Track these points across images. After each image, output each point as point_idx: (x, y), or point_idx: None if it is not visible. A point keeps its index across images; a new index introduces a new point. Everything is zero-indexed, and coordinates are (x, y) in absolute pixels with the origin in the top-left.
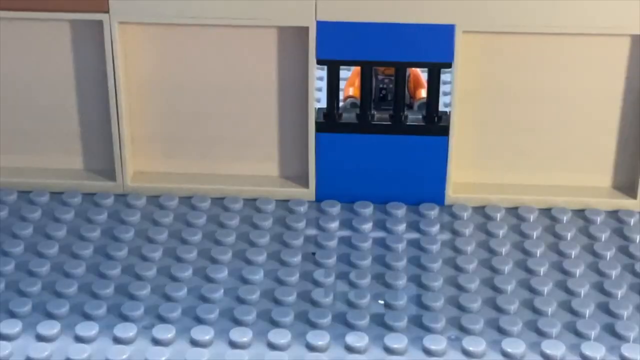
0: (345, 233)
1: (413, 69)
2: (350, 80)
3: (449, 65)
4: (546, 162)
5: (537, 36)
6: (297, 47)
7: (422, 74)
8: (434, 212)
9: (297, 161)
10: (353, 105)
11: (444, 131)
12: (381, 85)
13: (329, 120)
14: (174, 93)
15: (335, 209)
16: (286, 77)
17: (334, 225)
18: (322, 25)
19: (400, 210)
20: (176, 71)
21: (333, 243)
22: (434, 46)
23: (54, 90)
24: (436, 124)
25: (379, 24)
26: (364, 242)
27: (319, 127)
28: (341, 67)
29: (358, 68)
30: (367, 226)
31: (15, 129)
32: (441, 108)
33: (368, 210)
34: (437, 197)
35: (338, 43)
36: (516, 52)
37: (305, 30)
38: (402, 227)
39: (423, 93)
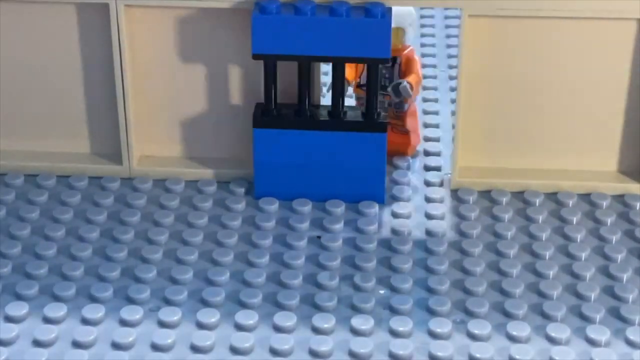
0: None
1: (406, 53)
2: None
3: (386, 61)
4: (552, 147)
5: (544, 20)
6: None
7: (418, 59)
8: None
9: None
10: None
11: (383, 128)
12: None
13: (266, 116)
14: (180, 76)
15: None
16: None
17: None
18: (258, 20)
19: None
20: (182, 54)
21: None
22: (372, 41)
23: (60, 74)
24: (375, 121)
25: (316, 18)
26: (370, 225)
27: (256, 123)
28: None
29: None
30: (339, 226)
31: (21, 113)
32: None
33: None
34: (377, 195)
35: (275, 37)
36: (522, 37)
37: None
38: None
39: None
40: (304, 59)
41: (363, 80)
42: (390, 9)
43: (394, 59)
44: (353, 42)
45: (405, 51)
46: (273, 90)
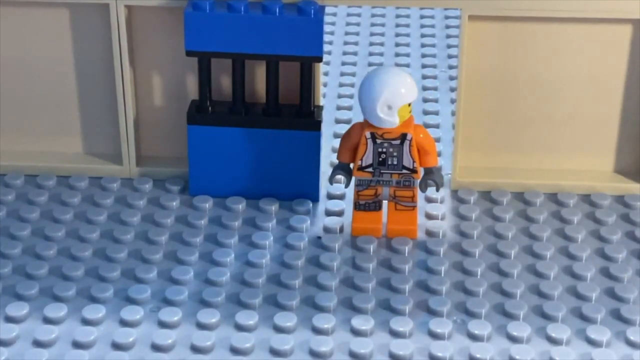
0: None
1: (417, 129)
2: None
3: (319, 59)
4: (552, 147)
5: (543, 21)
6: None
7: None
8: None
9: None
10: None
11: (317, 126)
12: (380, 149)
13: (201, 113)
14: (181, 76)
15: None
16: None
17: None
18: (190, 16)
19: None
20: (182, 53)
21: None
22: (305, 40)
23: (60, 74)
24: (310, 119)
25: (249, 16)
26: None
27: (191, 119)
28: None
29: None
30: (272, 224)
31: (22, 113)
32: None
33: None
34: (311, 193)
35: (208, 34)
36: (522, 37)
37: None
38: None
39: (431, 160)
40: (237, 56)
41: (365, 163)
42: (323, 8)
43: (404, 136)
44: (286, 40)
45: (413, 126)
46: (208, 87)
